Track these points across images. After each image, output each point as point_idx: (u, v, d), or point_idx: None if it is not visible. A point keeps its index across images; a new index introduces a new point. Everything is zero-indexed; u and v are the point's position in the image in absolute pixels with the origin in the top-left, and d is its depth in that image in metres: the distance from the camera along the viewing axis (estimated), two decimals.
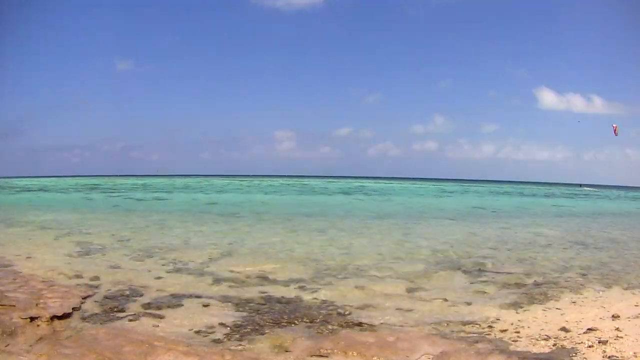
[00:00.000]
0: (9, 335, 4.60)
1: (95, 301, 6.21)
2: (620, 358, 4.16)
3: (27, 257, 9.10)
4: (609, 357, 4.19)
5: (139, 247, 10.64)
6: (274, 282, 7.61)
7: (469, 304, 6.45)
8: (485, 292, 7.14)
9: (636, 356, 4.19)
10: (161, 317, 5.62)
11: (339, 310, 6.04)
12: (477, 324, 5.54)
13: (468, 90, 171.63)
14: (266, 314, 5.81)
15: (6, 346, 4.35)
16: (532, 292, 7.14)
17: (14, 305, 5.45)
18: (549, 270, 8.88)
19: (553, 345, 4.67)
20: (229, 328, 5.26)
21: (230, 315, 5.73)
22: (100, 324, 5.30)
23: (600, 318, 5.61)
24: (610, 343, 4.55)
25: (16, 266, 8.25)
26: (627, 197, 54.89)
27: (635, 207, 34.04)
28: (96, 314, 5.68)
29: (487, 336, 5.07)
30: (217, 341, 4.85)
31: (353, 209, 24.93)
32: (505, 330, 5.26)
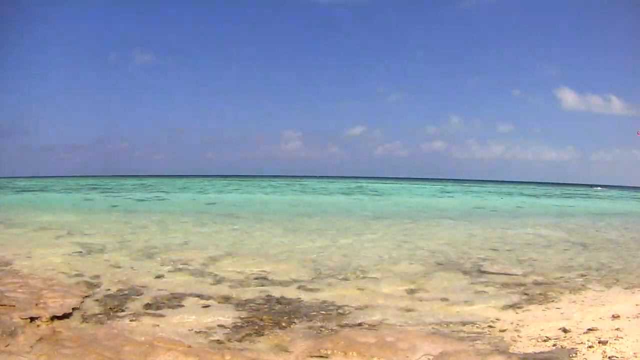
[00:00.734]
0: (9, 335, 4.60)
1: (96, 301, 6.21)
2: (620, 358, 4.15)
3: (27, 257, 9.11)
4: (609, 357, 4.18)
5: (139, 247, 10.64)
6: (274, 282, 7.61)
7: (469, 304, 6.45)
8: (485, 292, 7.14)
9: (636, 356, 4.19)
10: (161, 317, 5.62)
11: (339, 311, 6.05)
12: (477, 324, 5.54)
13: (494, 89, 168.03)
14: (266, 314, 5.81)
15: (6, 346, 4.35)
16: (532, 292, 7.14)
17: (14, 305, 5.45)
18: (549, 270, 8.88)
19: (553, 346, 4.67)
20: (229, 328, 5.26)
21: (230, 316, 5.73)
22: (100, 323, 5.30)
23: (600, 318, 5.61)
24: (610, 343, 4.54)
25: (16, 266, 8.25)
26: (628, 197, 54.89)
27: (636, 207, 34.03)
28: (96, 313, 5.68)
29: (487, 336, 5.07)
30: (217, 341, 4.85)
31: (353, 209, 24.94)
32: (505, 331, 5.26)
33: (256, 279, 7.81)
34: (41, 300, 5.80)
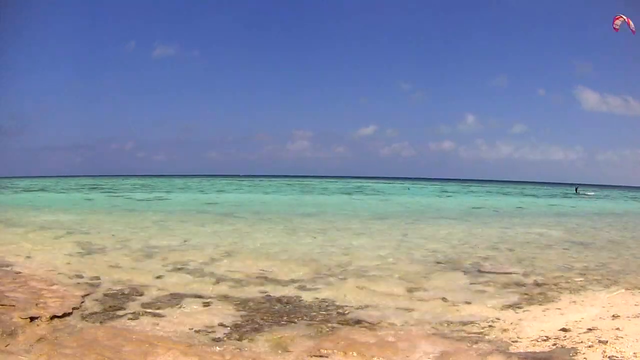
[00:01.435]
0: (9, 335, 4.60)
1: (95, 301, 6.21)
2: (620, 358, 4.15)
3: (27, 257, 9.11)
4: (609, 357, 4.18)
5: (139, 247, 10.64)
6: (274, 282, 7.61)
7: (469, 303, 6.45)
8: (485, 292, 7.13)
9: (636, 356, 4.18)
10: (161, 316, 5.62)
11: (339, 310, 6.04)
12: (477, 324, 5.54)
13: (516, 89, 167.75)
14: (266, 314, 5.81)
15: (6, 346, 4.35)
16: (532, 292, 7.14)
17: (14, 305, 5.45)
18: (549, 270, 8.88)
19: (553, 345, 4.67)
20: (229, 328, 5.26)
21: (230, 315, 5.73)
22: (100, 323, 5.30)
23: (601, 318, 5.61)
24: (610, 343, 4.54)
25: (16, 266, 8.25)
26: (627, 197, 54.87)
27: (637, 207, 34.02)
28: (96, 313, 5.68)
29: (487, 336, 5.07)
30: (217, 341, 4.84)
31: (353, 209, 24.93)
32: (505, 330, 5.26)
33: (256, 278, 7.81)
34: (41, 300, 5.80)
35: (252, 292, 6.92)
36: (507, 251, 11.13)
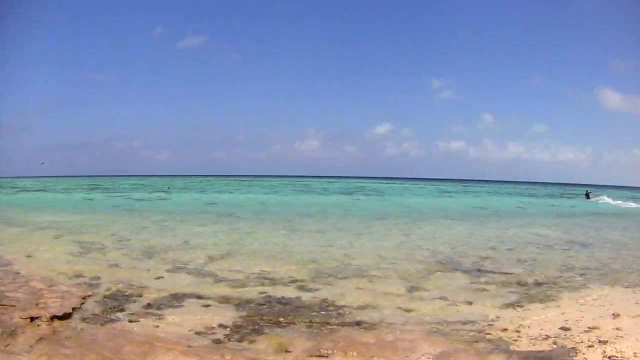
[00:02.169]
0: (9, 335, 4.60)
1: (95, 301, 6.21)
2: (620, 358, 4.15)
3: (27, 257, 9.10)
4: (609, 356, 4.18)
5: (139, 247, 10.64)
6: (274, 282, 7.61)
7: (469, 303, 6.45)
8: (485, 292, 7.13)
9: (636, 356, 4.18)
10: (161, 317, 5.62)
11: (339, 311, 6.04)
12: (477, 323, 5.54)
13: (547, 88, 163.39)
14: (266, 314, 5.81)
15: (6, 346, 4.35)
16: (532, 291, 7.14)
17: (14, 305, 5.45)
18: (549, 269, 8.88)
19: (553, 345, 4.67)
20: (228, 328, 5.26)
21: (230, 316, 5.73)
22: (100, 324, 5.29)
23: (601, 317, 5.61)
24: (611, 342, 4.54)
25: (16, 266, 8.25)
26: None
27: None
28: (96, 314, 5.68)
29: (487, 336, 5.07)
30: (217, 341, 4.84)
31: (354, 209, 24.93)
32: (505, 330, 5.26)
33: (256, 278, 7.81)
34: (41, 300, 5.80)
35: (252, 292, 6.91)
36: (506, 251, 11.13)
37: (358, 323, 5.52)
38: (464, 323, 5.54)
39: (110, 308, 5.91)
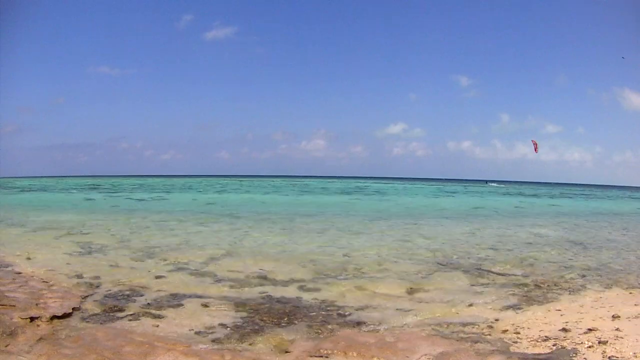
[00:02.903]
0: (9, 335, 4.60)
1: (95, 301, 6.21)
2: (620, 358, 4.15)
3: (27, 257, 9.11)
4: (609, 357, 4.18)
5: (139, 247, 10.64)
6: (274, 282, 7.61)
7: (468, 304, 6.45)
8: (485, 293, 7.13)
9: (636, 356, 4.18)
10: (161, 317, 5.62)
11: (339, 311, 6.04)
12: (477, 324, 5.54)
13: (571, 88, 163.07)
14: (266, 314, 5.81)
15: (6, 346, 4.35)
16: (532, 292, 7.14)
17: (14, 305, 5.45)
18: (548, 270, 8.89)
19: (553, 346, 4.66)
20: (228, 328, 5.26)
21: (230, 316, 5.73)
22: (100, 324, 5.30)
23: (600, 318, 5.61)
24: (610, 343, 4.54)
25: (16, 266, 8.25)
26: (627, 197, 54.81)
27: (636, 208, 34.01)
28: (96, 314, 5.68)
29: (487, 337, 5.07)
30: (217, 341, 4.84)
31: (354, 209, 24.93)
32: (505, 331, 5.26)
33: (256, 279, 7.81)
34: (41, 300, 5.80)
35: (252, 292, 6.92)
36: (506, 251, 11.13)
37: (358, 323, 5.52)
38: (464, 324, 5.54)
39: (110, 308, 5.91)
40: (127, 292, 6.71)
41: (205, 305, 6.14)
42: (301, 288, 7.22)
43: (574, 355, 4.33)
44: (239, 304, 6.23)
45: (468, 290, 7.29)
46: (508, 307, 6.29)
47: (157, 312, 5.79)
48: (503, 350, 4.59)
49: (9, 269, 8.04)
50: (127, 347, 4.43)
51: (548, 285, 7.60)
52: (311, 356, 4.45)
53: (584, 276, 8.38)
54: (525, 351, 4.57)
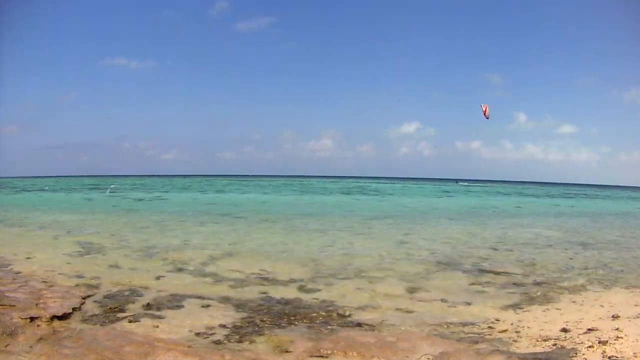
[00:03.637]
0: (9, 335, 4.60)
1: (95, 301, 6.21)
2: (620, 358, 4.15)
3: (27, 257, 9.11)
4: (609, 357, 4.18)
5: (138, 247, 10.64)
6: (274, 282, 7.61)
7: (468, 304, 6.45)
8: (485, 293, 7.13)
9: (636, 356, 4.18)
10: (161, 317, 5.62)
11: (339, 311, 6.04)
12: (477, 324, 5.54)
13: (593, 88, 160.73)
14: (266, 315, 5.81)
15: (6, 346, 4.35)
16: (532, 292, 7.14)
17: (14, 305, 5.45)
18: (548, 270, 8.88)
19: (553, 346, 4.66)
20: (229, 328, 5.26)
21: (230, 316, 5.73)
22: (101, 324, 5.29)
23: (600, 318, 5.60)
24: (610, 343, 4.54)
25: (16, 266, 8.25)
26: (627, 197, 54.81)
27: (636, 208, 34.01)
28: (96, 314, 5.68)
29: (487, 337, 5.07)
30: (217, 342, 4.84)
31: (353, 209, 24.92)
32: (505, 331, 5.26)
33: (256, 279, 7.81)
34: (41, 300, 5.80)
35: (252, 292, 6.91)
36: (506, 251, 11.13)
37: (358, 323, 5.52)
38: (464, 324, 5.54)
39: (110, 308, 5.91)
40: (127, 292, 6.71)
41: (205, 306, 6.14)
42: (301, 288, 7.22)
43: (574, 355, 4.32)
44: (239, 304, 6.23)
45: (468, 290, 7.29)
46: (508, 307, 6.29)
47: (157, 313, 5.79)
48: (503, 349, 4.59)
49: (9, 268, 8.04)
50: (127, 347, 4.42)
51: (548, 285, 7.59)
52: (311, 356, 4.45)
53: (584, 276, 8.37)
54: (525, 351, 4.56)
